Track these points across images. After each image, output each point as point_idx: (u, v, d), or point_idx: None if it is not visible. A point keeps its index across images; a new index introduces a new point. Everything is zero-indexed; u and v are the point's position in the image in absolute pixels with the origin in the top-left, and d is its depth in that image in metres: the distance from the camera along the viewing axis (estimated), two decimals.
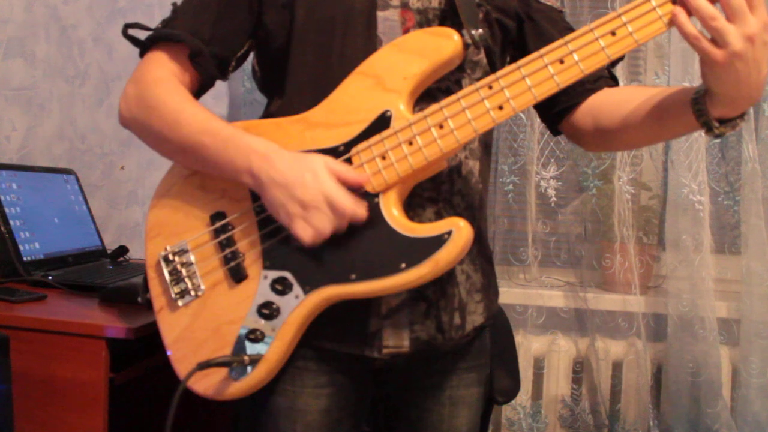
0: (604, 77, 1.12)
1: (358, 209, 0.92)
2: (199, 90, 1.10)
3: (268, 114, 1.09)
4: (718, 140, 2.04)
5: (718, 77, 0.88)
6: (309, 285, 0.97)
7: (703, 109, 0.92)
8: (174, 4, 1.09)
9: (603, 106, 1.09)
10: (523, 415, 2.06)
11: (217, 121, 1.00)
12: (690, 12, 0.86)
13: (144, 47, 1.09)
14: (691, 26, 0.86)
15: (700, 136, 1.95)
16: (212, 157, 0.99)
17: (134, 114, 1.05)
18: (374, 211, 0.95)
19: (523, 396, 2.06)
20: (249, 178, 0.96)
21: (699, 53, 0.88)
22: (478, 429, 1.18)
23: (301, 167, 0.93)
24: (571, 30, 1.12)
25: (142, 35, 1.10)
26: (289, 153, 0.95)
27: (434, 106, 0.94)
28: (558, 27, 1.12)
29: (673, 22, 0.88)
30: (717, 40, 0.85)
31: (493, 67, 1.08)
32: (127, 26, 1.09)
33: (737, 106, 0.91)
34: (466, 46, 0.97)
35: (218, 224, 1.03)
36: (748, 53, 0.85)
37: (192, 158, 1.03)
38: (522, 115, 2.09)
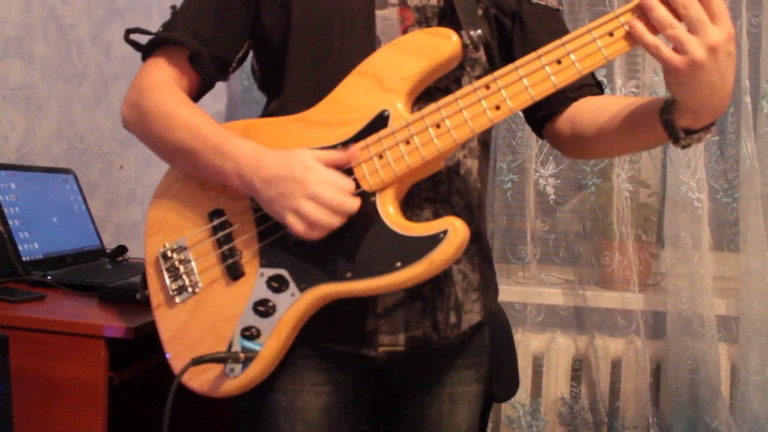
0: (589, 85, 1.11)
1: (347, 201, 0.92)
2: (199, 92, 1.11)
3: (267, 113, 1.09)
4: (716, 138, 2.04)
5: (681, 86, 0.87)
6: (305, 283, 0.97)
7: (670, 119, 0.91)
8: (173, 7, 1.10)
9: (581, 114, 1.08)
10: (523, 413, 2.06)
11: (208, 125, 1.00)
12: (649, 21, 0.85)
13: (145, 51, 1.09)
14: (649, 35, 0.86)
15: None
16: (203, 162, 1.00)
17: (133, 119, 1.06)
18: (371, 209, 0.95)
19: (523, 394, 2.06)
20: (239, 181, 0.97)
21: (660, 62, 0.87)
22: (477, 426, 1.18)
23: (290, 161, 0.93)
24: (564, 30, 1.12)
25: (142, 39, 1.10)
26: (276, 151, 0.96)
27: (432, 106, 0.94)
28: (548, 28, 1.09)
29: (631, 34, 0.86)
30: (677, 48, 0.84)
31: (492, 65, 1.08)
32: (128, 31, 1.10)
33: (701, 117, 0.89)
34: (464, 46, 0.97)
35: (216, 221, 1.03)
36: (711, 63, 0.83)
37: (185, 162, 1.04)
38: (521, 113, 2.08)
